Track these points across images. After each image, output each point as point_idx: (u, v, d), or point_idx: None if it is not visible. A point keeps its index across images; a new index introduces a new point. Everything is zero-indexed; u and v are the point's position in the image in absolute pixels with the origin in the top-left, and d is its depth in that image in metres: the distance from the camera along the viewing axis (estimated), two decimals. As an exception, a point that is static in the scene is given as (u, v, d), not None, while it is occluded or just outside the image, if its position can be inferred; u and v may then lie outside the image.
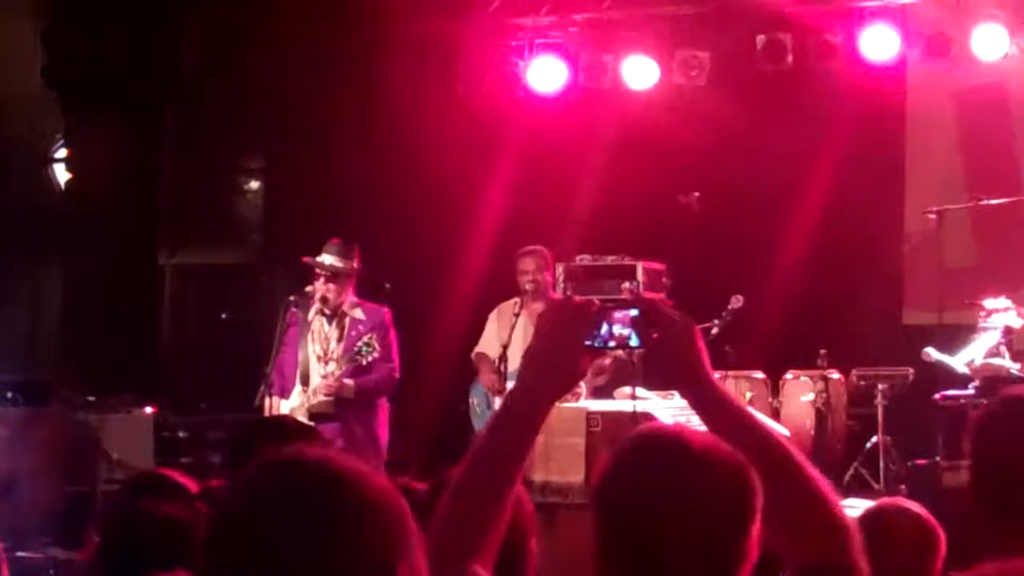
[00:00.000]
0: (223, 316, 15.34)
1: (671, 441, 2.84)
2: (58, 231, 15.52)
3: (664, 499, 2.75)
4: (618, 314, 2.97)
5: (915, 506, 4.80)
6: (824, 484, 2.84)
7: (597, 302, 2.99)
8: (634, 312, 2.96)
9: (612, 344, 3.00)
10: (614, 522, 2.82)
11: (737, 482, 2.77)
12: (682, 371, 2.95)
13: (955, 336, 11.67)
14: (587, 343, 2.95)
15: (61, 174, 16.08)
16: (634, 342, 2.97)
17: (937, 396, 10.86)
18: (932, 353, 11.30)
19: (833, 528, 2.82)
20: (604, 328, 2.97)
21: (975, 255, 13.19)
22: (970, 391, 10.85)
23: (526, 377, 3.00)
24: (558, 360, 2.96)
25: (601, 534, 2.84)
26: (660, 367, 3.01)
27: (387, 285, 11.03)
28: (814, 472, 2.84)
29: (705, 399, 2.93)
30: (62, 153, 16.05)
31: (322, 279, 10.17)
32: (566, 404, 9.75)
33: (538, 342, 3.01)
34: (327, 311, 10.24)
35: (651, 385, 10.21)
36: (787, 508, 2.80)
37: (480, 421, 11.25)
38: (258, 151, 15.76)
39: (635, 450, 2.88)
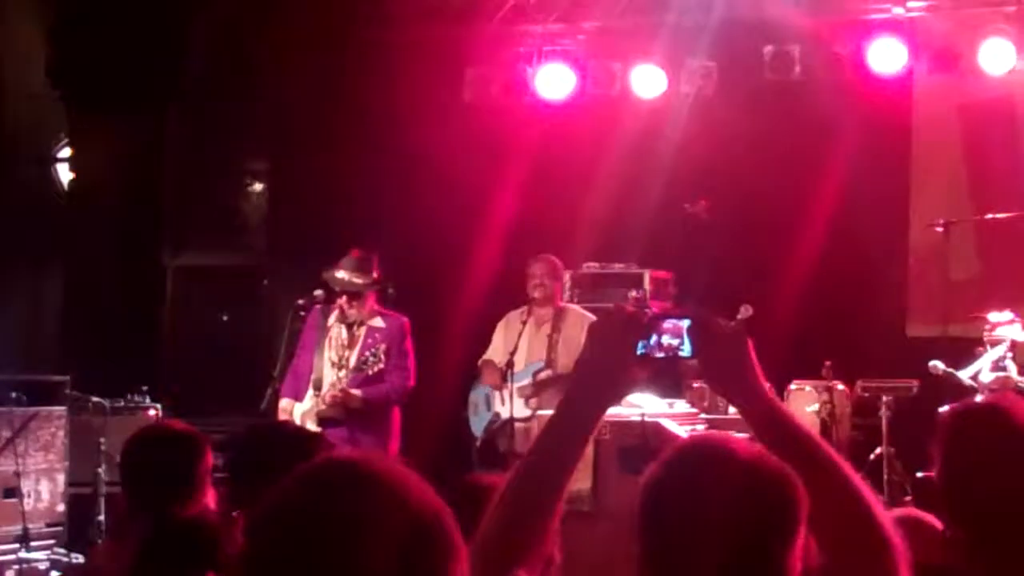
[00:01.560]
0: (224, 318, 15.35)
1: (718, 451, 2.83)
2: (61, 231, 15.51)
3: (709, 509, 2.74)
4: (667, 323, 2.97)
5: (929, 517, 4.80)
6: (873, 499, 2.83)
7: (649, 312, 2.99)
8: (686, 322, 2.96)
9: (661, 354, 3.00)
10: (659, 530, 2.81)
11: (783, 494, 2.76)
12: (735, 382, 2.95)
13: (960, 349, 11.66)
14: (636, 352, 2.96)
15: (64, 174, 16.07)
16: (685, 352, 2.97)
17: (944, 408, 10.82)
18: (939, 366, 11.31)
19: (879, 543, 2.81)
20: (653, 338, 2.97)
21: (980, 268, 13.20)
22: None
23: (577, 386, 3.01)
24: (610, 369, 2.97)
25: (645, 542, 2.83)
26: (712, 377, 3.03)
27: (391, 290, 11.02)
28: (863, 486, 2.83)
29: (757, 410, 2.93)
30: (66, 153, 16.04)
31: (344, 296, 10.18)
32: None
33: (590, 351, 3.02)
34: (346, 321, 10.24)
35: (659, 393, 10.20)
36: (834, 521, 2.80)
37: (479, 421, 11.26)
38: (262, 153, 15.74)
39: (681, 460, 2.87)
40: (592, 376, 2.98)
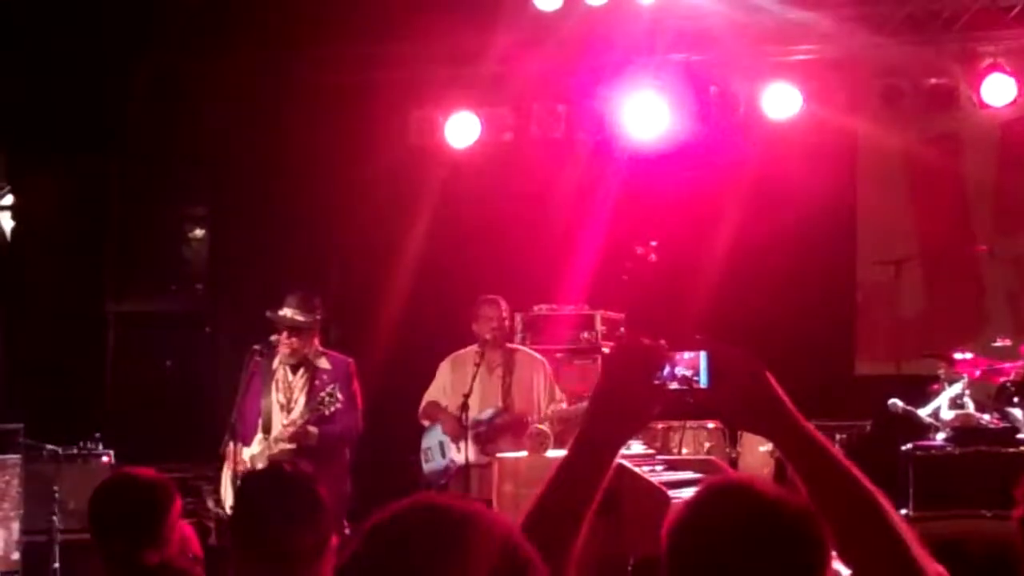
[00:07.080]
0: (167, 364, 15.23)
1: (742, 494, 2.81)
2: (2, 278, 15.35)
3: (735, 551, 2.72)
4: (683, 355, 2.93)
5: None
6: (912, 537, 2.80)
7: (665, 343, 2.94)
8: (702, 354, 2.92)
9: (675, 385, 2.95)
10: (685, 573, 2.80)
11: (809, 535, 2.75)
12: (759, 415, 2.91)
13: (909, 386, 11.72)
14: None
15: (6, 221, 15.91)
16: (701, 382, 2.92)
17: (908, 446, 10.88)
18: (898, 404, 11.35)
19: None
20: (667, 368, 2.93)
21: (929, 305, 13.28)
22: (940, 441, 10.91)
23: (594, 418, 2.93)
24: (627, 401, 2.91)
25: (672, 584, 2.81)
26: (733, 411, 2.96)
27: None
28: (903, 524, 2.80)
29: (789, 443, 2.89)
30: (8, 200, 15.88)
31: (285, 333, 10.16)
32: (534, 453, 9.74)
33: (606, 383, 2.95)
34: (292, 361, 10.22)
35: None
36: (871, 557, 2.78)
37: (433, 467, 11.13)
38: (203, 199, 15.66)
39: (706, 501, 2.84)
40: (608, 409, 2.91)
